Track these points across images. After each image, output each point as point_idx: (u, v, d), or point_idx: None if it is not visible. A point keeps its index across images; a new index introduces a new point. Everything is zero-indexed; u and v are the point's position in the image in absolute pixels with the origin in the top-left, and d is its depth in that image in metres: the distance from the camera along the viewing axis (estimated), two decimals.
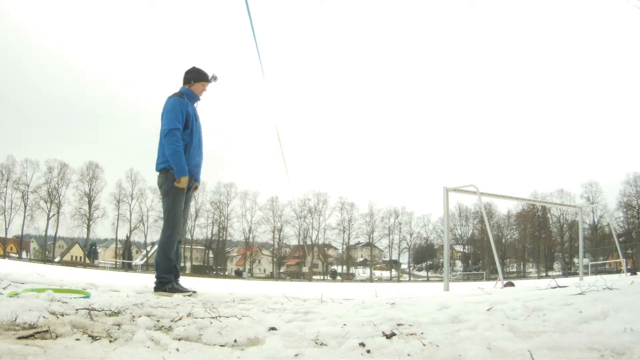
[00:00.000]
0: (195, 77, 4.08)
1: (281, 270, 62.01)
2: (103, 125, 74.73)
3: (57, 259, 55.04)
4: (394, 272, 62.67)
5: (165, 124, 3.80)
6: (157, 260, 3.81)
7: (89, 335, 1.54)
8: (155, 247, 4.12)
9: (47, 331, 1.49)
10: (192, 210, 58.82)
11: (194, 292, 3.77)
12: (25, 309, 1.76)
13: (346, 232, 62.06)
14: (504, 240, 59.98)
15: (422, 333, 1.69)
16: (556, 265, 59.69)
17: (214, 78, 4.16)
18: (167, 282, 3.73)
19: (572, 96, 73.45)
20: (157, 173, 3.95)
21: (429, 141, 77.63)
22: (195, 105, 4.13)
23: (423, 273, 64.33)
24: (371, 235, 62.82)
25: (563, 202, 52.02)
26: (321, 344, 1.58)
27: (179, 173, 3.78)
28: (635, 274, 12.23)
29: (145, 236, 58.19)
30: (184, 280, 4.00)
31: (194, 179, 4.07)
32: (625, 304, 1.83)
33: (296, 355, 1.40)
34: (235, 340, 1.60)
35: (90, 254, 58.86)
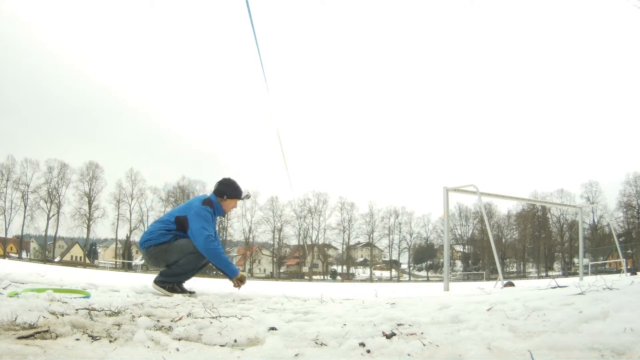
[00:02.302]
0: (230, 194, 3.94)
1: (281, 270, 62.01)
2: (103, 125, 74.81)
3: (57, 259, 55.04)
4: (394, 272, 62.67)
5: (202, 227, 3.61)
6: (182, 262, 3.63)
7: (89, 335, 1.54)
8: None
9: (47, 331, 1.49)
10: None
11: (193, 292, 3.75)
12: (25, 309, 1.76)
13: (346, 232, 62.14)
14: (504, 240, 60.00)
15: (422, 333, 1.69)
16: (556, 265, 59.72)
17: (247, 197, 4.07)
18: (168, 282, 3.72)
19: (572, 96, 73.51)
20: (144, 249, 3.78)
21: (429, 141, 77.68)
22: (217, 219, 3.99)
23: (423, 273, 64.35)
24: (371, 235, 62.87)
25: (563, 202, 52.04)
26: (321, 344, 1.58)
27: (233, 273, 3.70)
28: (635, 274, 12.24)
29: None
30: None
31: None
32: (626, 304, 1.83)
33: (296, 355, 1.40)
34: (235, 340, 1.60)
35: (90, 254, 58.88)
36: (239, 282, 3.75)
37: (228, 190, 3.95)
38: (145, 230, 3.93)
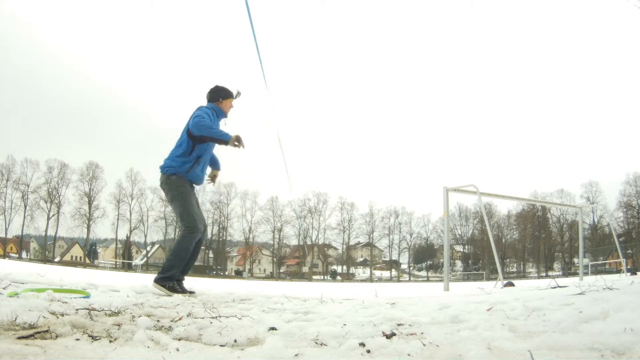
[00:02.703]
0: (224, 95, 4.16)
1: (281, 270, 62.01)
2: (103, 125, 74.78)
3: (57, 259, 55.03)
4: (394, 272, 62.68)
5: (202, 118, 3.82)
6: (170, 257, 3.78)
7: (89, 335, 1.54)
8: (172, 245, 4.27)
9: (47, 331, 1.49)
10: None
11: (193, 292, 3.76)
12: (25, 309, 1.76)
13: (346, 232, 62.10)
14: (504, 240, 59.98)
15: (422, 333, 1.69)
16: (556, 265, 59.70)
17: (239, 94, 4.25)
18: (168, 279, 3.72)
19: (572, 96, 73.50)
20: (161, 174, 3.98)
21: (429, 141, 77.67)
22: (220, 122, 4.19)
23: (423, 273, 64.33)
24: (371, 235, 62.84)
25: (563, 202, 52.02)
26: (321, 344, 1.58)
27: (226, 137, 3.77)
28: (635, 274, 12.24)
29: (145, 236, 58.25)
30: (184, 280, 3.98)
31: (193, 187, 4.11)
32: (626, 304, 1.83)
33: (296, 355, 1.40)
34: (235, 340, 1.60)
35: (90, 254, 58.85)
36: (237, 142, 3.78)
37: (220, 92, 4.16)
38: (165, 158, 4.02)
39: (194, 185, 4.11)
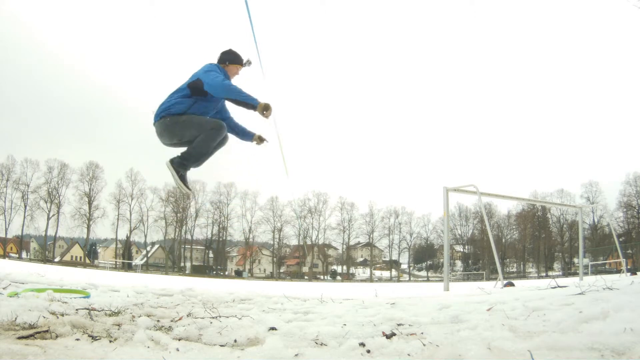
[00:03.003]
0: (231, 59, 3.93)
1: (281, 270, 62.01)
2: (103, 125, 74.79)
3: (57, 259, 55.02)
4: (394, 272, 62.67)
5: (215, 76, 3.53)
6: (193, 147, 3.52)
7: (89, 335, 1.54)
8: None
9: (47, 331, 1.49)
10: (192, 210, 59.04)
11: (191, 191, 3.76)
12: (25, 309, 1.76)
13: (346, 232, 62.09)
14: (504, 240, 59.97)
15: (422, 333, 1.69)
16: (556, 265, 59.70)
17: (248, 62, 4.04)
18: (184, 167, 3.61)
19: (572, 96, 73.52)
20: (155, 125, 3.65)
21: (429, 141, 77.67)
22: None
23: (423, 273, 64.32)
24: (371, 235, 62.82)
25: (563, 202, 52.03)
26: (321, 344, 1.58)
27: (256, 101, 3.47)
28: (635, 274, 12.24)
29: (145, 236, 58.22)
30: (184, 281, 3.98)
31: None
32: (625, 304, 1.83)
33: (296, 355, 1.40)
34: (235, 340, 1.60)
35: (90, 254, 58.85)
36: (265, 110, 3.49)
37: (229, 56, 3.94)
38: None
39: None
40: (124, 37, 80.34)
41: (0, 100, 59.94)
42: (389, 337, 1.62)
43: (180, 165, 3.62)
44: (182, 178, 3.64)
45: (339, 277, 60.41)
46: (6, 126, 64.37)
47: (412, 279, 61.02)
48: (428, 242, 64.79)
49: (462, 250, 64.04)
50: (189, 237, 59.29)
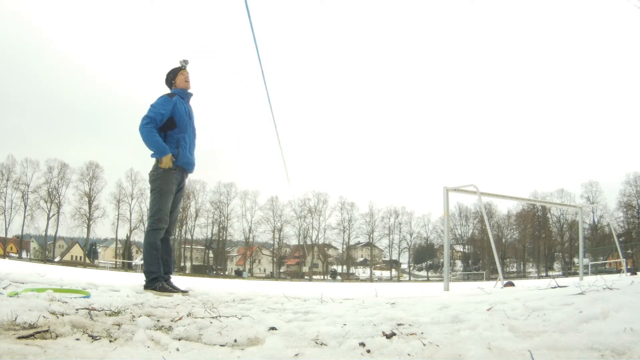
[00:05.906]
0: (173, 75, 4.13)
1: (281, 270, 62.00)
2: (103, 125, 74.82)
3: (57, 259, 55.04)
4: (394, 272, 62.67)
5: (147, 112, 3.82)
6: (144, 258, 3.84)
7: (89, 335, 1.54)
8: None
9: (47, 331, 1.49)
10: (192, 210, 58.99)
11: (185, 291, 3.72)
12: (25, 308, 1.76)
13: (346, 232, 62.11)
14: (504, 240, 59.97)
15: (422, 333, 1.69)
16: (556, 265, 59.70)
17: (185, 62, 4.20)
18: (155, 280, 3.70)
19: (572, 96, 73.51)
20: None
21: (429, 141, 77.66)
22: (190, 102, 4.16)
23: (423, 273, 64.33)
24: (371, 235, 62.83)
25: (563, 202, 52.01)
26: (321, 344, 1.58)
27: (159, 153, 3.77)
28: (635, 274, 12.24)
29: None
30: (185, 280, 3.99)
31: (186, 175, 4.06)
32: (626, 304, 1.83)
33: (296, 355, 1.40)
34: (235, 340, 1.60)
35: (90, 253, 58.87)
36: (162, 164, 3.77)
37: (170, 75, 4.15)
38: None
39: (187, 172, 4.05)
40: (125, 37, 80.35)
41: (1, 100, 59.95)
42: (389, 337, 1.62)
43: (153, 282, 3.72)
44: (164, 289, 3.68)
45: (339, 277, 60.39)
46: (6, 126, 64.39)
47: (412, 278, 61.02)
48: (428, 242, 64.81)
49: (462, 250, 64.05)
50: (189, 237, 59.31)
